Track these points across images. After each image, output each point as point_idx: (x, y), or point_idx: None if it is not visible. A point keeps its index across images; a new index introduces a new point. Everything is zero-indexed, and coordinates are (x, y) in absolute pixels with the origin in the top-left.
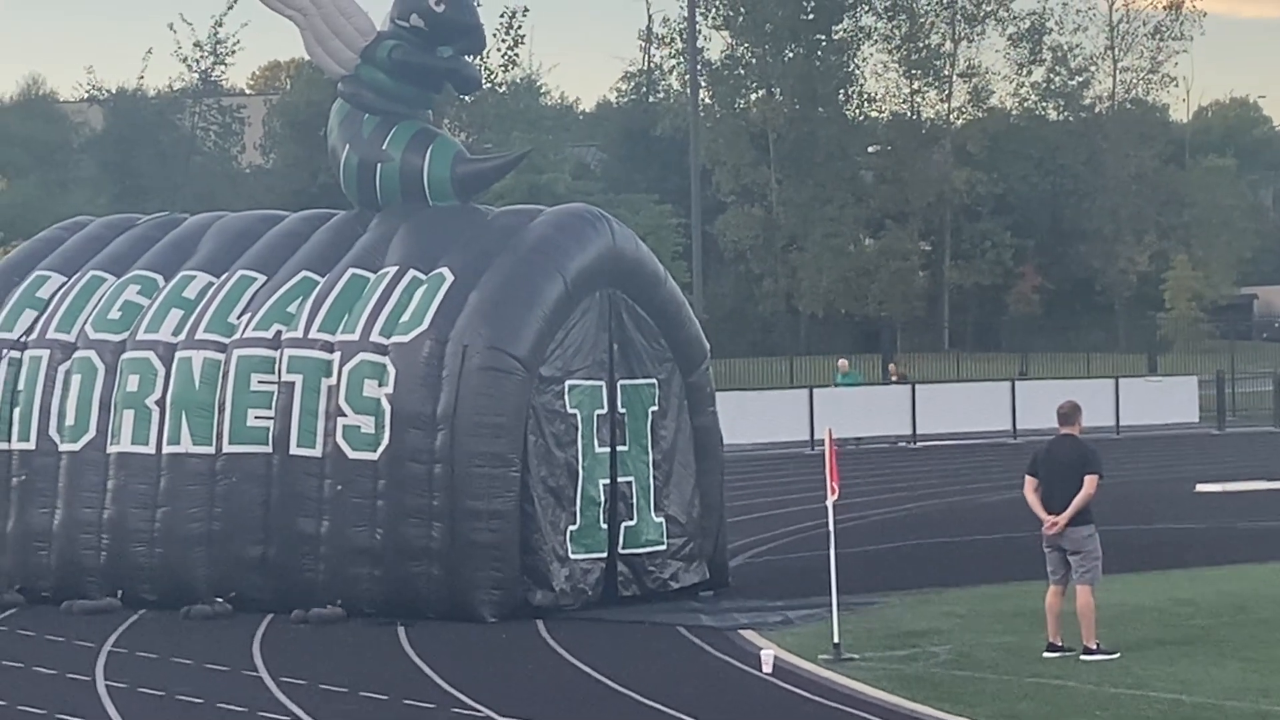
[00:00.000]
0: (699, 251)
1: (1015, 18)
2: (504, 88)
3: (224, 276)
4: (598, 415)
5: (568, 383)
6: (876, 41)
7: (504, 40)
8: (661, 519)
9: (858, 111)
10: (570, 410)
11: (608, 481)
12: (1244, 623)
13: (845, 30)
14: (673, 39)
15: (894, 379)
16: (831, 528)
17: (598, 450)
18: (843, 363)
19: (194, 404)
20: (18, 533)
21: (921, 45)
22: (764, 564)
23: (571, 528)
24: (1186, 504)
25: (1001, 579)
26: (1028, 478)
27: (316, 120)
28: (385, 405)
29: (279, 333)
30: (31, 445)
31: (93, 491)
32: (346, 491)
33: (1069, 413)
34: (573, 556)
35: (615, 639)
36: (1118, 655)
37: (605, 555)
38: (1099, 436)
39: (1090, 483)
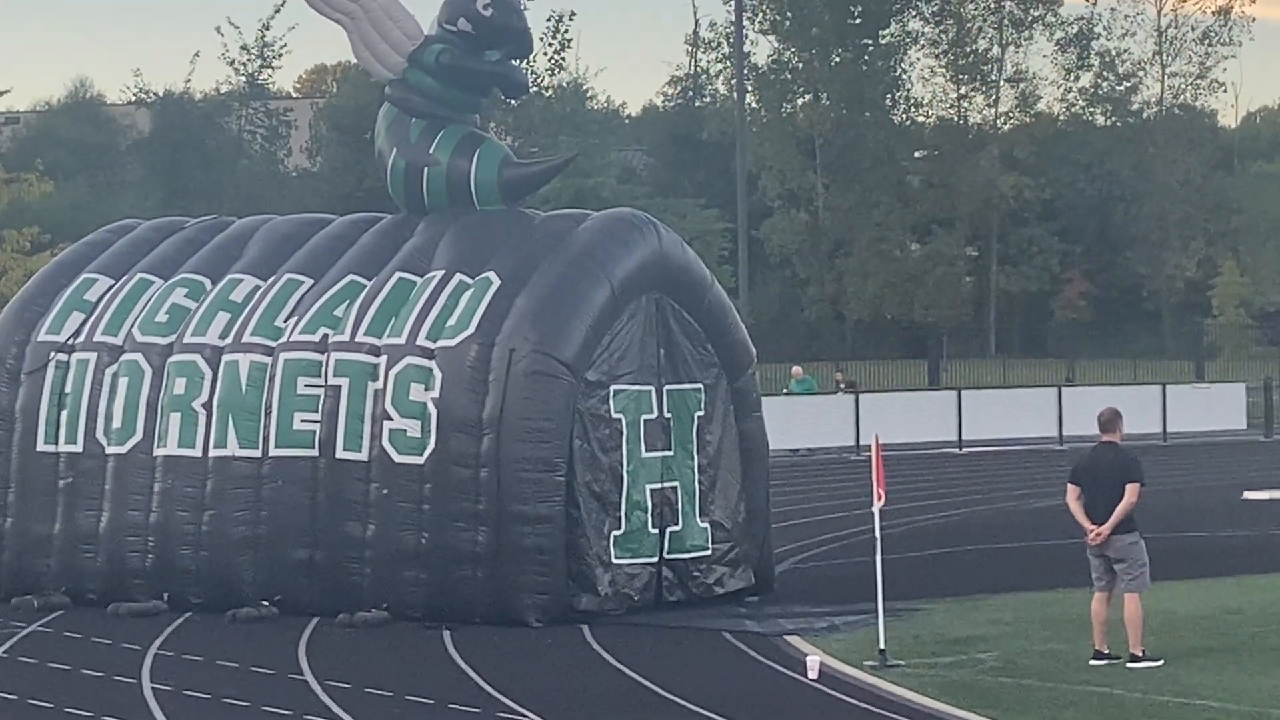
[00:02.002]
0: (745, 256)
1: (1063, 23)
2: (551, 92)
3: (271, 280)
4: (644, 420)
5: (613, 387)
6: (924, 46)
7: (551, 44)
8: (707, 524)
9: (905, 116)
10: (615, 415)
11: (655, 486)
12: None
13: (892, 35)
14: (719, 43)
15: (840, 387)
16: (878, 533)
17: (644, 455)
18: (796, 370)
19: (240, 407)
20: (65, 535)
21: (969, 50)
22: (810, 569)
23: (616, 532)
24: (1233, 511)
25: (1048, 586)
26: (1070, 486)
27: (363, 124)
28: (431, 409)
29: (325, 336)
30: (79, 448)
31: (139, 494)
32: (392, 495)
33: (1109, 420)
34: (616, 561)
35: (660, 644)
36: (1162, 662)
37: (653, 560)
38: (1146, 443)
39: (1132, 491)
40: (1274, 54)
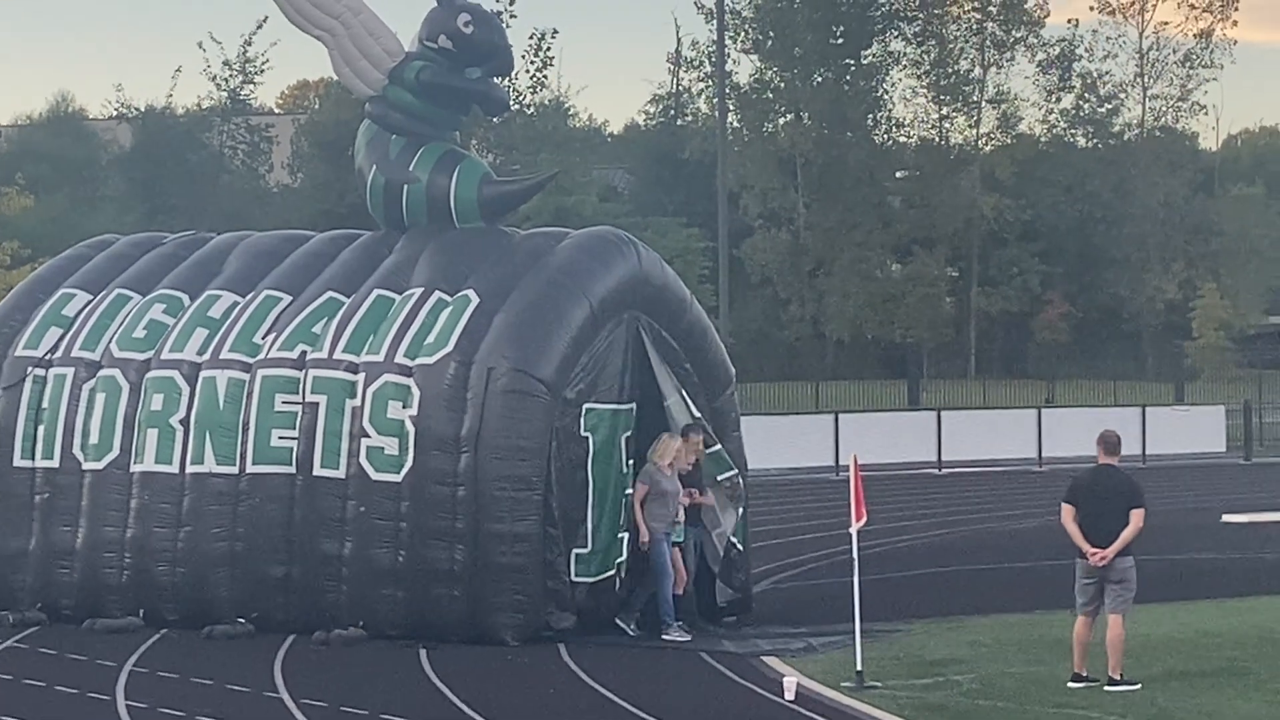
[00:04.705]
0: (725, 275)
1: (1045, 44)
2: (532, 109)
3: (249, 296)
4: (625, 438)
5: (585, 405)
6: (905, 67)
7: (532, 62)
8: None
9: (886, 137)
10: (584, 433)
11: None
12: (1270, 654)
13: (874, 55)
14: (701, 62)
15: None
16: (856, 554)
17: (624, 472)
18: None
19: (218, 424)
20: (40, 551)
21: (951, 71)
22: (788, 590)
23: (579, 551)
24: (1212, 535)
25: (1026, 608)
26: (1066, 506)
27: (344, 140)
28: (409, 427)
29: (304, 353)
30: (55, 463)
31: (116, 510)
32: (369, 513)
33: (1116, 442)
34: (576, 579)
35: (637, 663)
36: (1140, 686)
37: (620, 577)
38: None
39: (1138, 517)
40: (1255, 77)
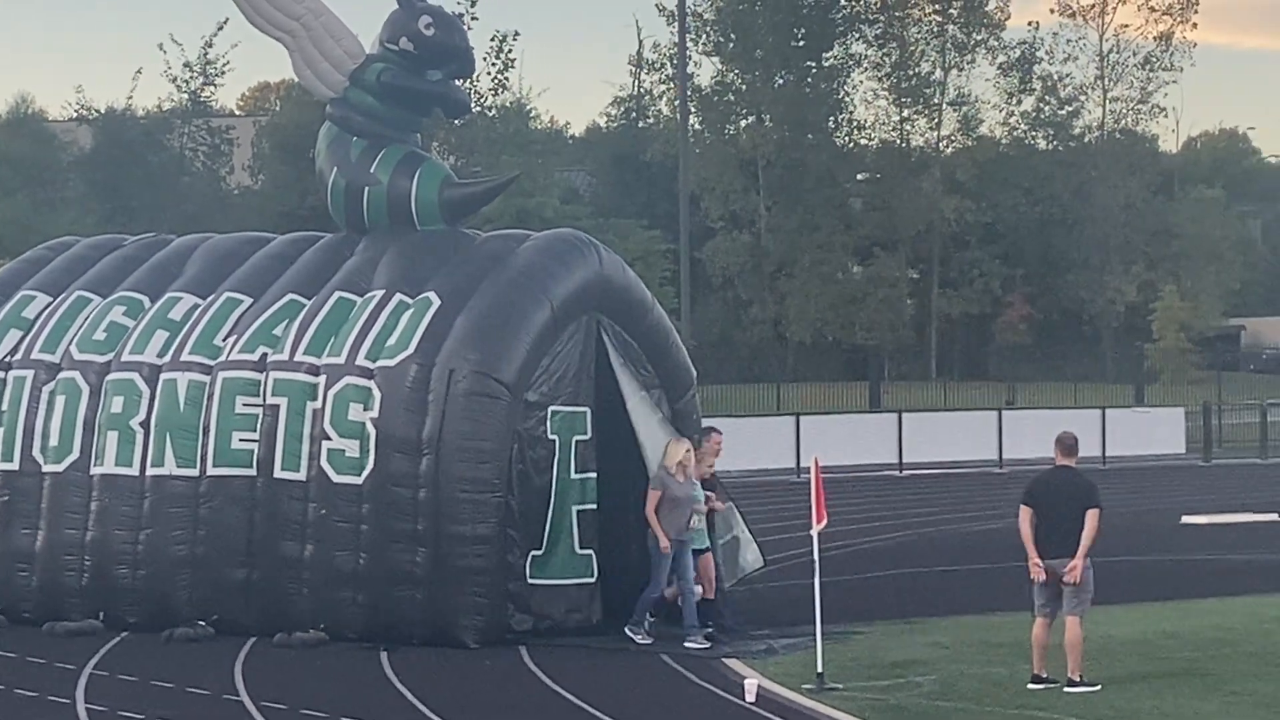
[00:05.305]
0: (687, 277)
1: (1005, 46)
2: (493, 111)
3: (210, 298)
4: (577, 441)
5: (550, 408)
6: (866, 69)
7: (494, 64)
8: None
9: (847, 139)
10: (550, 436)
11: (585, 508)
12: (1229, 656)
13: (835, 58)
14: (663, 64)
15: None
16: (816, 556)
17: (573, 477)
18: None
19: (178, 426)
20: (0, 553)
21: (911, 73)
22: (748, 592)
23: (535, 553)
24: (1172, 536)
25: (987, 609)
26: (1023, 508)
27: (305, 142)
28: (370, 429)
29: (264, 355)
30: (15, 466)
31: (76, 513)
32: (330, 515)
33: (1073, 444)
34: (531, 581)
35: (598, 666)
36: (1099, 687)
37: (584, 581)
38: (1085, 467)
39: (1093, 518)
40: (1215, 79)
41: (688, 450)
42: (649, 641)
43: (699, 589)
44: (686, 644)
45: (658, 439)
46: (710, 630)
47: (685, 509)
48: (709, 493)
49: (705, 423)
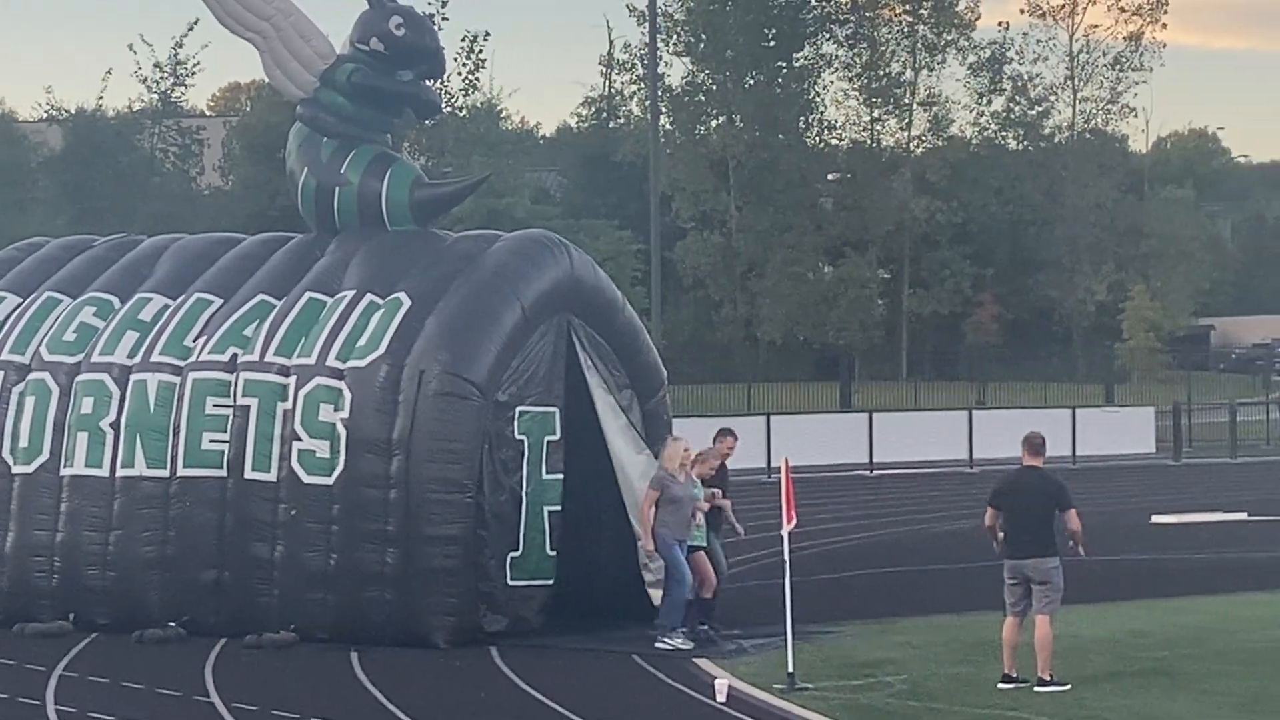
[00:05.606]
0: (658, 278)
1: (976, 47)
2: (464, 112)
3: (180, 299)
4: (548, 441)
5: (518, 408)
6: (837, 69)
7: (465, 64)
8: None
9: (818, 139)
10: (518, 436)
11: (553, 509)
12: (1199, 655)
13: (806, 58)
14: (634, 65)
15: None
16: (787, 556)
17: (544, 477)
18: None
19: (148, 427)
20: None
21: (882, 73)
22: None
23: (513, 555)
24: (1142, 535)
25: (957, 609)
26: (990, 509)
27: (276, 143)
28: (341, 430)
29: (235, 356)
30: None
31: (45, 514)
32: (301, 516)
33: (1041, 444)
34: (512, 583)
35: (569, 666)
36: (1069, 686)
37: (550, 582)
38: (1055, 466)
39: (1073, 518)
40: (1184, 80)
41: (686, 449)
42: (690, 647)
43: (695, 586)
44: (658, 644)
45: (618, 446)
46: (686, 631)
47: (686, 509)
48: (713, 490)
49: (721, 424)
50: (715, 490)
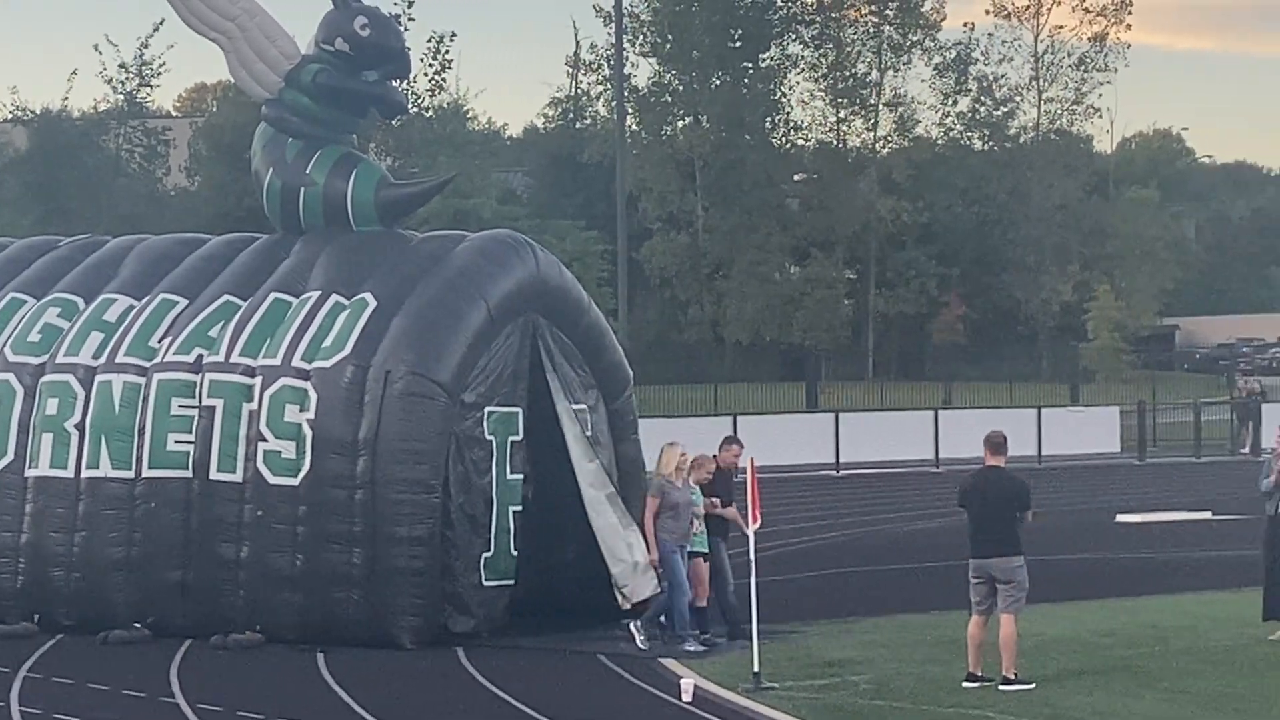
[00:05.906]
0: (624, 278)
1: (941, 47)
2: (430, 112)
3: (145, 300)
4: (512, 442)
5: (487, 409)
6: (803, 70)
7: (431, 65)
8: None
9: (784, 140)
10: (488, 437)
11: (518, 508)
12: (1162, 653)
13: (772, 59)
14: (600, 65)
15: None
16: (753, 556)
17: (509, 477)
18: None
19: (114, 428)
20: None
21: (848, 74)
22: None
23: (486, 555)
24: (1107, 534)
25: (923, 608)
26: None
27: (242, 143)
28: (306, 430)
29: (200, 357)
30: None
31: (10, 515)
32: (267, 517)
33: (1002, 443)
34: (486, 584)
35: (535, 666)
36: (1034, 685)
37: (513, 583)
38: (1021, 466)
39: (1028, 518)
40: (1149, 80)
41: (683, 454)
42: (704, 650)
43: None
44: (684, 648)
45: (576, 454)
46: (697, 634)
47: (686, 514)
48: (712, 499)
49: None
50: (715, 499)
